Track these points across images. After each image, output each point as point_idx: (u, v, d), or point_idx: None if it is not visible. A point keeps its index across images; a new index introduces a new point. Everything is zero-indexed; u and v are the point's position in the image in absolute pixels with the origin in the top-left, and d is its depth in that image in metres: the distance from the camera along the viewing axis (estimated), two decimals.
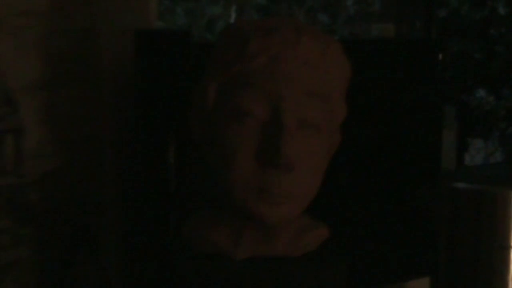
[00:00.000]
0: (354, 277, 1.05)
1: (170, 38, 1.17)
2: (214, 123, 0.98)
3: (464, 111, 3.44)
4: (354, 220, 1.34)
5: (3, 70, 1.15)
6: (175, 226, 1.16)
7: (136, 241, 1.20)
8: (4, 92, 1.15)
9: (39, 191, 1.19)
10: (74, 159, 1.21)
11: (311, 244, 1.02)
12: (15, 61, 1.15)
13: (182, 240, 1.03)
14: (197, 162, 1.09)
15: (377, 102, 1.36)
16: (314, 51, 0.97)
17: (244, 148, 0.96)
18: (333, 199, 1.25)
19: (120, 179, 1.23)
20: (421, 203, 1.38)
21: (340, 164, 1.05)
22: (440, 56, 1.42)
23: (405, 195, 1.39)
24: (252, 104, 0.95)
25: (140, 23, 1.22)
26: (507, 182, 1.12)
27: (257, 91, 0.95)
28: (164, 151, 1.16)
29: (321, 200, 1.00)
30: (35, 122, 1.18)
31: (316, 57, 0.97)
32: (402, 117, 1.39)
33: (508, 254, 1.09)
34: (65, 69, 1.19)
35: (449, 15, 3.49)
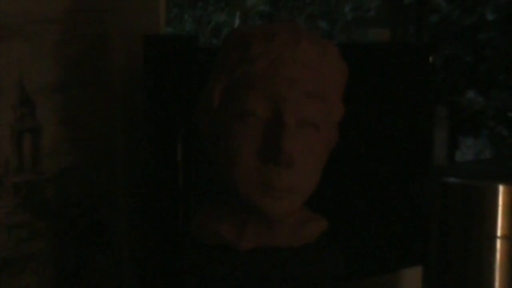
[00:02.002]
0: (351, 266, 1.05)
1: (178, 43, 1.17)
2: (219, 122, 0.98)
3: (455, 110, 3.44)
4: (351, 212, 1.34)
5: (21, 74, 1.15)
6: (184, 219, 1.16)
7: (147, 234, 1.20)
8: (22, 94, 1.15)
9: (55, 187, 1.19)
10: (88, 156, 1.21)
11: (311, 235, 1.02)
12: (32, 65, 1.15)
13: (191, 233, 1.03)
14: (204, 159, 1.09)
15: (372, 102, 1.36)
16: (313, 54, 0.97)
17: (248, 146, 0.96)
18: (332, 193, 1.25)
19: (132, 176, 1.23)
20: (415, 197, 1.38)
21: (338, 160, 1.05)
22: (432, 59, 1.41)
23: (399, 189, 1.39)
24: (254, 105, 0.95)
25: (150, 29, 1.22)
26: (495, 177, 1.12)
27: (260, 92, 0.95)
28: (173, 149, 1.16)
29: (320, 194, 1.00)
30: (51, 122, 1.18)
31: (315, 59, 0.97)
32: (396, 116, 1.39)
33: (496, 243, 1.09)
34: (79, 73, 1.19)
35: (440, 20, 3.48)
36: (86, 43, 1.19)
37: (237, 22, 3.52)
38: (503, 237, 1.09)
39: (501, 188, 1.09)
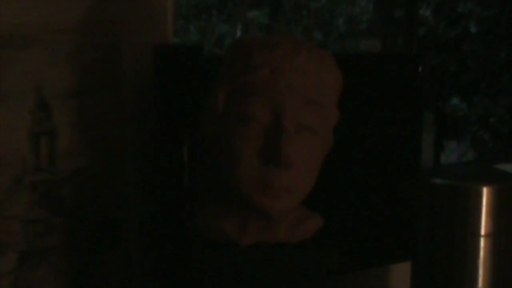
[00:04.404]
0: (345, 261, 1.04)
1: (184, 53, 1.16)
2: (223, 126, 0.98)
3: (440, 116, 3.44)
4: (345, 211, 1.34)
5: (39, 80, 1.15)
6: (189, 217, 1.15)
7: (155, 230, 1.20)
8: (40, 99, 1.15)
9: (70, 186, 1.19)
10: (101, 158, 1.21)
11: (308, 232, 1.02)
12: (49, 72, 1.15)
13: (196, 229, 1.03)
14: (208, 161, 1.09)
15: (365, 109, 1.35)
16: (311, 63, 0.97)
17: (249, 149, 0.95)
18: (327, 193, 1.25)
19: (141, 175, 1.23)
20: (404, 197, 1.38)
21: (333, 162, 1.05)
22: (420, 69, 1.41)
23: (390, 190, 1.39)
24: (256, 110, 0.95)
25: (158, 39, 1.22)
26: (479, 179, 1.12)
27: (261, 99, 0.95)
28: (179, 151, 1.16)
29: (316, 194, 1.00)
30: (67, 125, 1.18)
31: (313, 68, 0.97)
32: (386, 121, 1.39)
33: (479, 241, 1.09)
34: (93, 80, 1.19)
35: (427, 32, 3.48)
36: (99, 52, 1.19)
37: (238, 33, 3.51)
38: (486, 235, 1.09)
39: (484, 190, 1.09)
